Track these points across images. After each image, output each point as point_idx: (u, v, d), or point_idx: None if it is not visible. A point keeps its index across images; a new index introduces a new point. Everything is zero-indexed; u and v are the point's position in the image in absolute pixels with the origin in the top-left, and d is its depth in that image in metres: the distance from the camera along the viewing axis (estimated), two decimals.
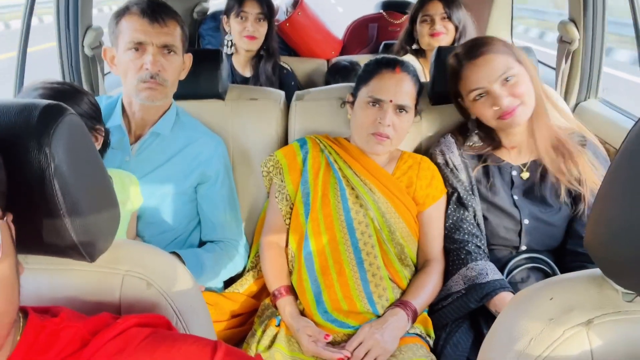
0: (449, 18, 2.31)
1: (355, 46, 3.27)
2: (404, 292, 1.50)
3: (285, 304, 1.47)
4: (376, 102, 1.49)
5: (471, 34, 2.33)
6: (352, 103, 1.58)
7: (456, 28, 2.32)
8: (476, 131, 1.59)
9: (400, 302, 1.45)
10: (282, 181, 1.60)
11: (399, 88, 1.49)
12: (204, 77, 1.71)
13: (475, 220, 1.54)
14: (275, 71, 2.45)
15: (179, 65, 1.52)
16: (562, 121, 1.60)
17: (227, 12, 2.41)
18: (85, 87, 2.03)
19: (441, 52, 1.68)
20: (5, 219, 0.65)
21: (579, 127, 1.59)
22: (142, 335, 0.71)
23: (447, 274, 1.53)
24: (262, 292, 1.64)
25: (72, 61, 2.01)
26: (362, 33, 3.32)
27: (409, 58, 2.42)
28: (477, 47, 1.50)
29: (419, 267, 1.57)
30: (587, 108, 2.10)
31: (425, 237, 1.56)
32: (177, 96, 1.61)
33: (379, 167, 1.57)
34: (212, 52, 1.80)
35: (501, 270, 1.48)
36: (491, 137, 1.58)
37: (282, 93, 1.89)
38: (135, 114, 1.55)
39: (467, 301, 1.42)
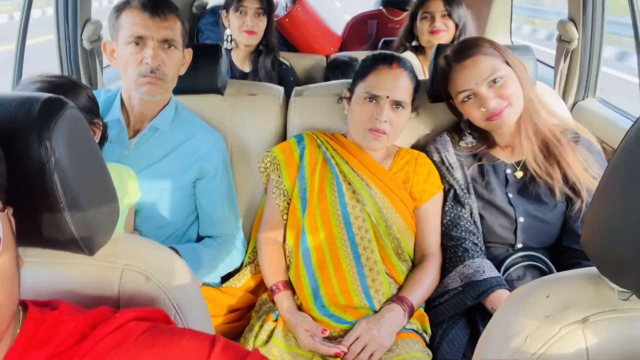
0: (450, 16, 2.31)
1: (354, 43, 3.26)
2: (400, 287, 1.51)
3: (283, 299, 1.47)
4: (373, 97, 1.50)
5: (471, 32, 2.33)
6: (349, 99, 1.59)
7: (456, 26, 2.32)
8: (469, 131, 1.61)
9: (397, 298, 1.46)
10: (279, 177, 1.61)
11: (396, 84, 1.50)
12: (204, 72, 1.71)
13: (471, 217, 1.55)
14: (274, 66, 2.45)
15: (179, 60, 1.52)
16: (558, 117, 1.60)
17: (226, 6, 2.41)
18: (84, 80, 2.03)
19: (440, 49, 1.68)
20: (5, 212, 0.65)
21: (575, 125, 1.59)
22: (140, 329, 0.72)
23: (444, 271, 1.54)
24: (260, 287, 1.65)
25: (70, 54, 2.00)
26: (361, 30, 3.31)
27: (409, 55, 2.42)
28: (465, 49, 1.51)
29: (416, 263, 1.58)
30: (585, 107, 2.10)
31: (422, 232, 1.57)
32: (176, 91, 1.60)
33: (375, 163, 1.57)
34: (212, 47, 1.79)
35: (498, 267, 1.49)
36: (485, 136, 1.59)
37: (281, 89, 1.89)
38: (135, 108, 1.54)
39: (463, 298, 1.43)
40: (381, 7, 3.31)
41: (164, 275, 0.88)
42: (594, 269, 0.76)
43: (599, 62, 2.10)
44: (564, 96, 2.16)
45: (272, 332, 1.42)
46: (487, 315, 1.41)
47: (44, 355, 0.68)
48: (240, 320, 1.59)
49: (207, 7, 3.28)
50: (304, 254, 1.51)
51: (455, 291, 1.46)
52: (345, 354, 1.34)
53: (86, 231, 0.75)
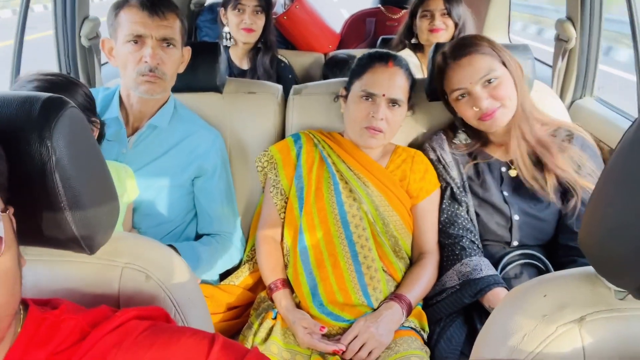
0: (449, 14, 2.31)
1: (352, 40, 3.25)
2: (398, 285, 1.51)
3: (281, 297, 1.48)
4: (369, 96, 1.50)
5: (471, 30, 2.33)
6: (346, 97, 1.59)
7: (456, 25, 2.32)
8: (463, 129, 1.61)
9: (395, 296, 1.46)
10: (276, 176, 1.61)
11: (392, 82, 1.50)
12: (202, 70, 1.71)
13: (468, 215, 1.55)
14: (272, 64, 2.45)
15: (178, 58, 1.52)
16: (553, 115, 1.60)
17: (224, 4, 2.40)
18: (82, 78, 2.02)
19: (438, 48, 1.68)
20: (7, 212, 0.65)
21: (569, 123, 1.59)
22: (140, 328, 0.72)
23: (442, 269, 1.54)
24: (258, 284, 1.65)
25: (68, 52, 2.00)
26: (359, 27, 3.30)
27: (407, 53, 2.42)
28: (463, 47, 1.51)
29: (413, 260, 1.58)
30: (582, 106, 2.11)
31: (419, 230, 1.57)
32: (175, 89, 1.60)
33: (372, 161, 1.58)
34: (211, 45, 1.79)
35: (495, 266, 1.49)
36: (478, 134, 1.60)
37: (279, 87, 1.89)
38: (133, 106, 1.54)
39: (461, 296, 1.44)
40: (379, 5, 3.31)
41: (163, 273, 0.88)
42: (590, 269, 0.76)
43: (596, 61, 2.10)
44: (562, 95, 2.16)
45: (270, 329, 1.43)
46: (484, 313, 1.42)
47: (44, 354, 0.68)
48: (239, 317, 1.59)
49: (205, 4, 3.27)
50: (302, 252, 1.52)
51: (453, 289, 1.47)
52: (344, 351, 1.35)
53: (87, 230, 0.75)
